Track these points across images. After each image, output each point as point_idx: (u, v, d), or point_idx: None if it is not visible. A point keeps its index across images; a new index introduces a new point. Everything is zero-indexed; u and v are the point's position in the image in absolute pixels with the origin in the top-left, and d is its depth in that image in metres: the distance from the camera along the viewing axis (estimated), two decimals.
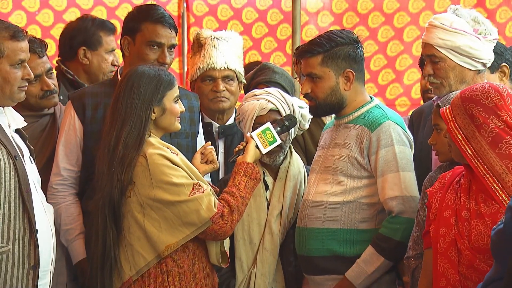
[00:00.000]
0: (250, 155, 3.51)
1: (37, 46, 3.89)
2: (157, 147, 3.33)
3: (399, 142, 3.53)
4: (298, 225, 3.66)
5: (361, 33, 5.66)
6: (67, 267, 3.89)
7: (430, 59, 3.60)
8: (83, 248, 3.83)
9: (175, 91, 3.43)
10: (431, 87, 3.70)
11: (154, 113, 3.37)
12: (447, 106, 3.04)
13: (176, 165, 3.32)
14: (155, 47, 3.80)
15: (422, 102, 5.00)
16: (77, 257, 3.85)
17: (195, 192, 3.29)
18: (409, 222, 3.41)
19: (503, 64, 3.75)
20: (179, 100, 3.46)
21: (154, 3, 3.99)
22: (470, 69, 3.57)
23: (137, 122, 3.32)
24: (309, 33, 5.98)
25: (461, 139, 2.95)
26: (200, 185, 3.32)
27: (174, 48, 3.85)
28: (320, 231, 3.56)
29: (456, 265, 2.91)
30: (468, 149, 2.94)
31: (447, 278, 2.93)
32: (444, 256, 2.94)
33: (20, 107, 3.52)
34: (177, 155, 3.38)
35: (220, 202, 3.36)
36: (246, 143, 3.56)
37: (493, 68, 3.69)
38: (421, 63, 4.48)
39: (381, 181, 3.51)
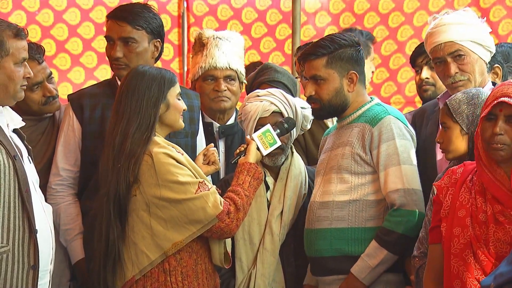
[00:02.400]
0: (252, 156, 3.51)
1: (35, 52, 3.82)
2: (162, 146, 3.33)
3: (400, 136, 3.55)
4: (307, 227, 3.66)
5: None
6: (70, 268, 3.89)
7: (452, 57, 3.60)
8: (81, 248, 3.82)
9: (177, 88, 3.44)
10: (455, 86, 3.61)
11: (159, 109, 3.37)
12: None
13: (181, 164, 3.32)
14: (111, 42, 3.81)
15: (418, 99, 5.00)
16: (75, 257, 3.84)
17: (201, 190, 3.29)
18: (411, 215, 3.42)
19: (496, 65, 3.78)
20: (181, 98, 3.47)
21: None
22: (484, 61, 3.61)
23: (144, 119, 3.32)
24: (307, 33, 6.01)
25: None
26: (205, 183, 3.32)
27: (131, 40, 3.77)
28: (328, 231, 3.56)
29: (472, 268, 2.85)
30: None
31: (462, 280, 2.87)
32: (458, 257, 2.88)
33: (22, 114, 3.50)
34: (182, 154, 3.38)
35: (225, 200, 3.36)
36: (247, 145, 3.56)
37: (488, 69, 3.72)
38: (413, 62, 4.49)
39: (383, 175, 3.52)
